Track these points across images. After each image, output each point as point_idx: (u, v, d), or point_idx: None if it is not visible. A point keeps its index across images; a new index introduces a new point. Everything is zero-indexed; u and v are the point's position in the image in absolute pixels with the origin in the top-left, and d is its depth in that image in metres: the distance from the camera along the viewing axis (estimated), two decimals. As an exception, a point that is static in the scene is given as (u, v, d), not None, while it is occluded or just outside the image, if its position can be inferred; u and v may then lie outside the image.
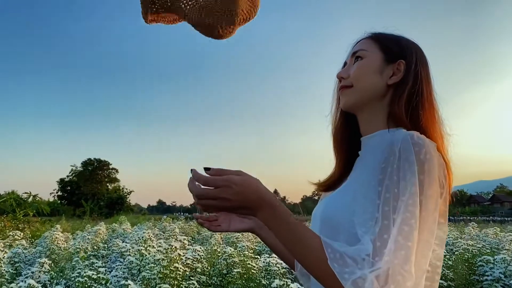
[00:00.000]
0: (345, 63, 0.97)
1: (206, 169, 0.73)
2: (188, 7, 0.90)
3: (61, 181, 60.60)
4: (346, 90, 0.91)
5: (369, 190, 0.75)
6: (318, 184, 1.01)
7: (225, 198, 0.71)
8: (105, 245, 7.56)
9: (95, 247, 6.92)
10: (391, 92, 0.88)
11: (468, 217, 37.75)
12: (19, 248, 6.55)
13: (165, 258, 3.58)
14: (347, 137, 0.98)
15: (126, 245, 5.67)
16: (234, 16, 0.88)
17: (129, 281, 2.80)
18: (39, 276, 3.86)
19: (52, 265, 4.55)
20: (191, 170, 0.74)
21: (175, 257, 3.63)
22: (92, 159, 64.26)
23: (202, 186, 0.72)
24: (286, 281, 2.92)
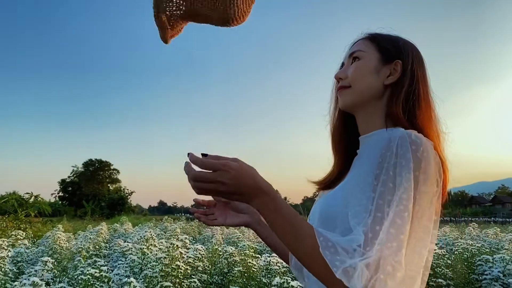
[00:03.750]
0: (342, 64, 0.98)
1: (204, 155, 0.73)
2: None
3: (63, 182, 60.76)
4: (344, 90, 0.92)
5: (365, 184, 0.75)
6: (316, 182, 1.02)
7: (221, 182, 0.71)
8: (107, 244, 7.60)
9: (97, 247, 6.96)
10: (389, 92, 0.89)
11: (469, 218, 37.69)
12: (21, 247, 6.61)
13: (166, 256, 3.62)
14: (345, 136, 0.99)
15: (128, 245, 5.70)
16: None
17: (132, 279, 2.84)
18: (42, 274, 3.89)
19: (55, 263, 4.59)
20: (188, 153, 0.73)
21: (176, 256, 3.67)
22: (94, 159, 64.44)
23: (199, 169, 0.72)
24: (287, 279, 2.95)
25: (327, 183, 0.98)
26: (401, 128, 0.81)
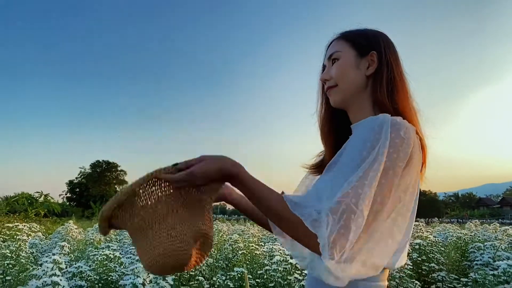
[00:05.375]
0: (324, 66, 1.04)
1: (174, 164, 0.85)
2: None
3: (70, 183, 61.14)
4: (333, 89, 0.99)
5: (346, 157, 0.83)
6: (309, 166, 1.09)
7: (194, 175, 0.83)
8: (117, 237, 7.87)
9: (108, 238, 7.24)
10: (371, 82, 0.96)
11: (476, 220, 37.34)
12: (36, 239, 6.91)
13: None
14: (334, 128, 1.06)
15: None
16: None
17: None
18: (60, 257, 4.16)
19: (71, 248, 4.85)
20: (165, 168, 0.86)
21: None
22: (101, 161, 64.85)
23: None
24: (286, 257, 3.19)
25: (319, 168, 1.07)
26: (387, 114, 0.86)
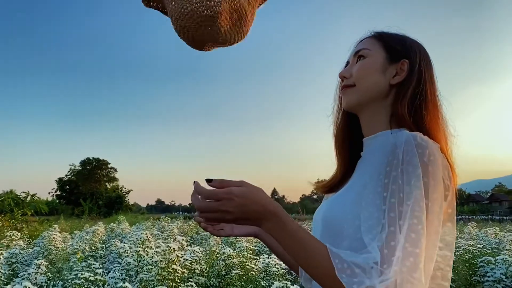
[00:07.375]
0: (347, 62, 0.95)
1: (208, 180, 0.71)
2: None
3: (60, 181, 60.36)
4: (348, 89, 0.89)
5: (374, 195, 0.73)
6: (319, 185, 0.99)
7: (226, 211, 0.70)
8: (103, 245, 7.52)
9: (93, 248, 6.88)
10: (394, 92, 0.86)
11: (467, 216, 37.81)
12: (16, 248, 6.53)
13: (163, 259, 3.55)
14: (349, 138, 0.96)
15: (124, 245, 5.62)
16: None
17: (127, 283, 2.75)
18: (36, 277, 3.81)
19: (49, 266, 4.51)
20: (194, 182, 0.73)
21: (173, 259, 3.60)
22: (91, 158, 64.09)
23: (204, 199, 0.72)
24: (286, 283, 2.88)
25: (331, 186, 0.96)
26: (406, 129, 0.80)
